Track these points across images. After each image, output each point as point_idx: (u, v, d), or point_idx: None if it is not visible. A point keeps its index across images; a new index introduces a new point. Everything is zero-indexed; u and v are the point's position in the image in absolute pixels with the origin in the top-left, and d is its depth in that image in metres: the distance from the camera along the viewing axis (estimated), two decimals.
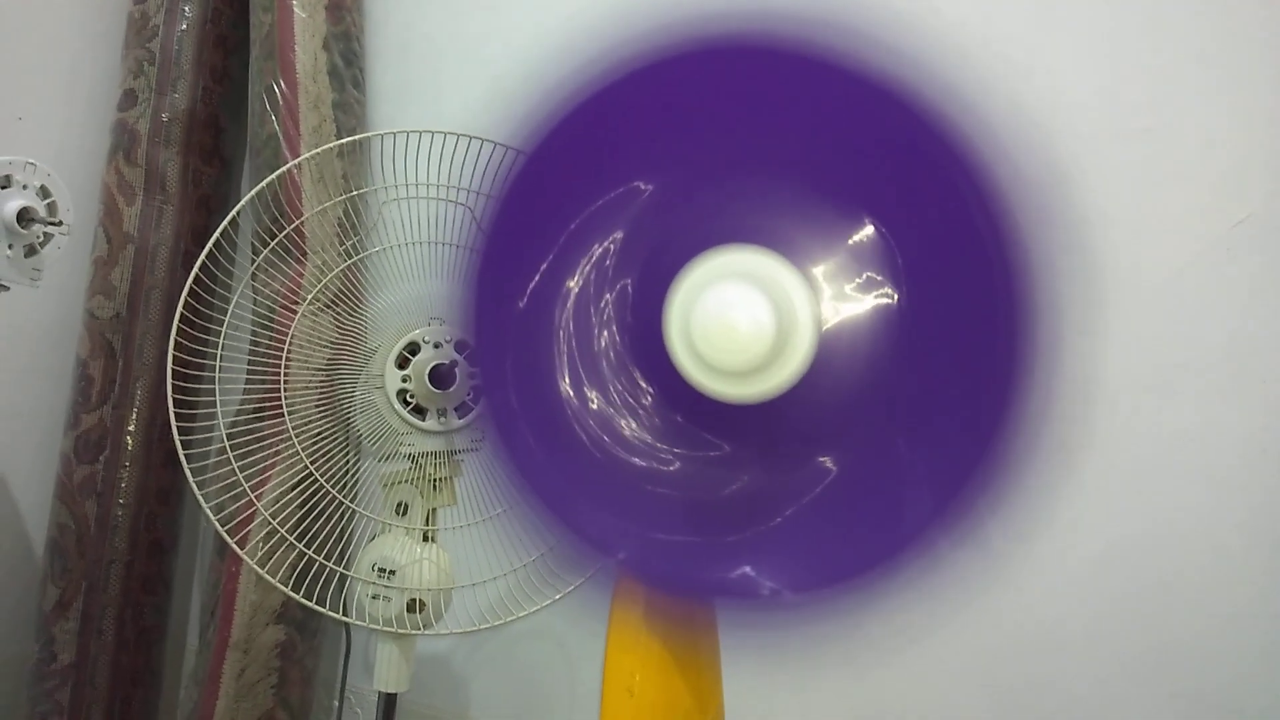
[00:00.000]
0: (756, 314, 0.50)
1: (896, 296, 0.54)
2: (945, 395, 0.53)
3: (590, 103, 0.53)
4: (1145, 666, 1.00)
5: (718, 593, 0.54)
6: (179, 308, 0.91)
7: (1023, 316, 0.48)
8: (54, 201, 1.11)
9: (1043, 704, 1.05)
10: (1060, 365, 0.48)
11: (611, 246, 0.58)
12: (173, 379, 0.91)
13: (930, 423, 0.53)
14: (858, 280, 0.55)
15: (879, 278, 0.55)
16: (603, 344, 0.58)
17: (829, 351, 0.52)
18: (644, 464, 0.56)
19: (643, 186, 0.58)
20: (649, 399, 0.57)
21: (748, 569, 0.52)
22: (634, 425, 0.57)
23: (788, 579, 0.51)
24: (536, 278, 0.57)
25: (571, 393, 0.57)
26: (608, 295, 0.58)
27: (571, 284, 0.58)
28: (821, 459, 0.55)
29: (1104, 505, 1.02)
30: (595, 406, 0.57)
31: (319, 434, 0.97)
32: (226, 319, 0.95)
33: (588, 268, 0.58)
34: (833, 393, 0.54)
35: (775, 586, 0.51)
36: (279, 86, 1.38)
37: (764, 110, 0.56)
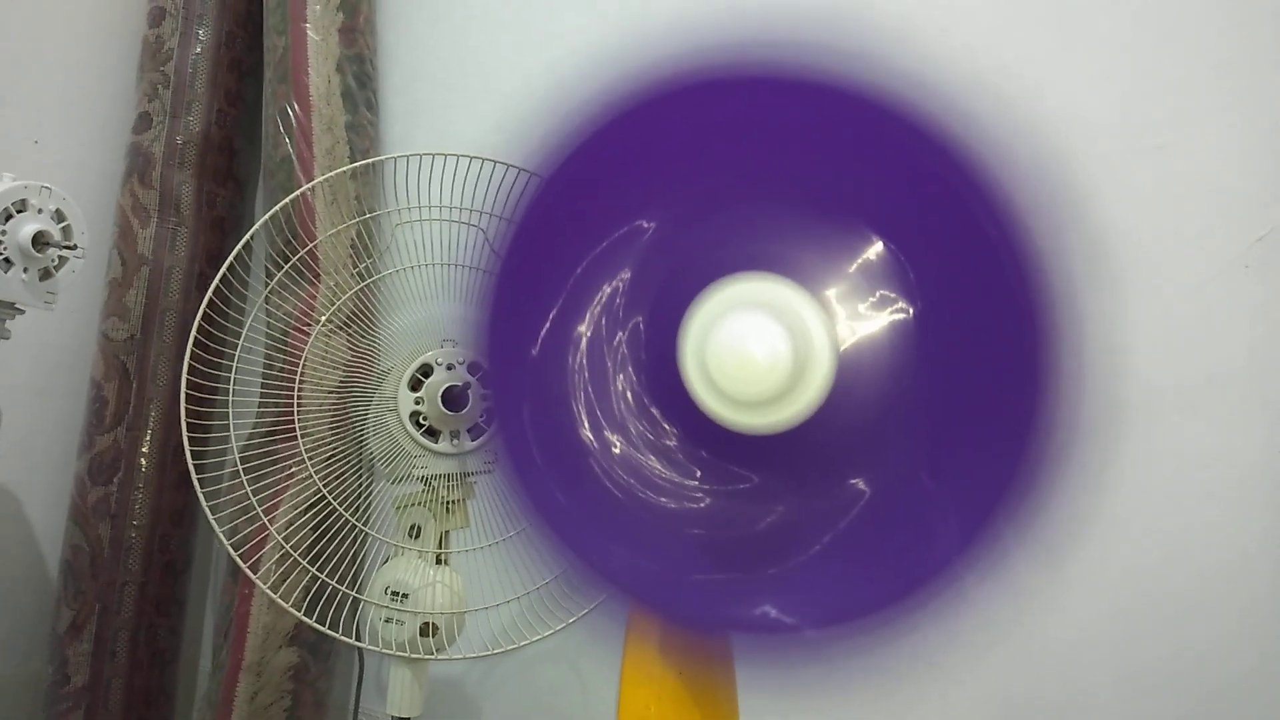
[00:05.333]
0: (772, 342, 0.49)
1: (912, 311, 0.54)
2: (969, 414, 0.52)
3: (586, 146, 0.52)
4: (1164, 686, 0.98)
5: (742, 630, 0.53)
6: (193, 330, 0.91)
7: (1043, 332, 0.48)
8: (69, 225, 1.12)
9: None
10: (1083, 382, 0.47)
11: (620, 285, 0.57)
12: (186, 401, 0.91)
13: (955, 444, 0.52)
14: (871, 299, 0.54)
15: (892, 294, 0.54)
16: (620, 386, 0.57)
17: (850, 373, 0.51)
18: (673, 504, 0.56)
19: (645, 225, 0.57)
20: (671, 437, 0.57)
21: (777, 604, 0.51)
22: (659, 465, 0.56)
23: (816, 613, 0.50)
24: (547, 325, 0.56)
25: (592, 438, 0.56)
26: (620, 334, 0.57)
27: (582, 328, 0.57)
28: (854, 481, 0.54)
29: (1124, 525, 1.00)
30: (618, 451, 0.56)
31: (332, 456, 0.97)
32: (240, 341, 0.95)
33: (597, 310, 0.57)
34: (858, 414, 0.53)
35: (801, 622, 0.50)
36: (293, 109, 1.39)
37: (764, 137, 0.55)
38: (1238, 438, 0.97)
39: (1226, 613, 0.97)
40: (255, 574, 0.96)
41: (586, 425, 0.56)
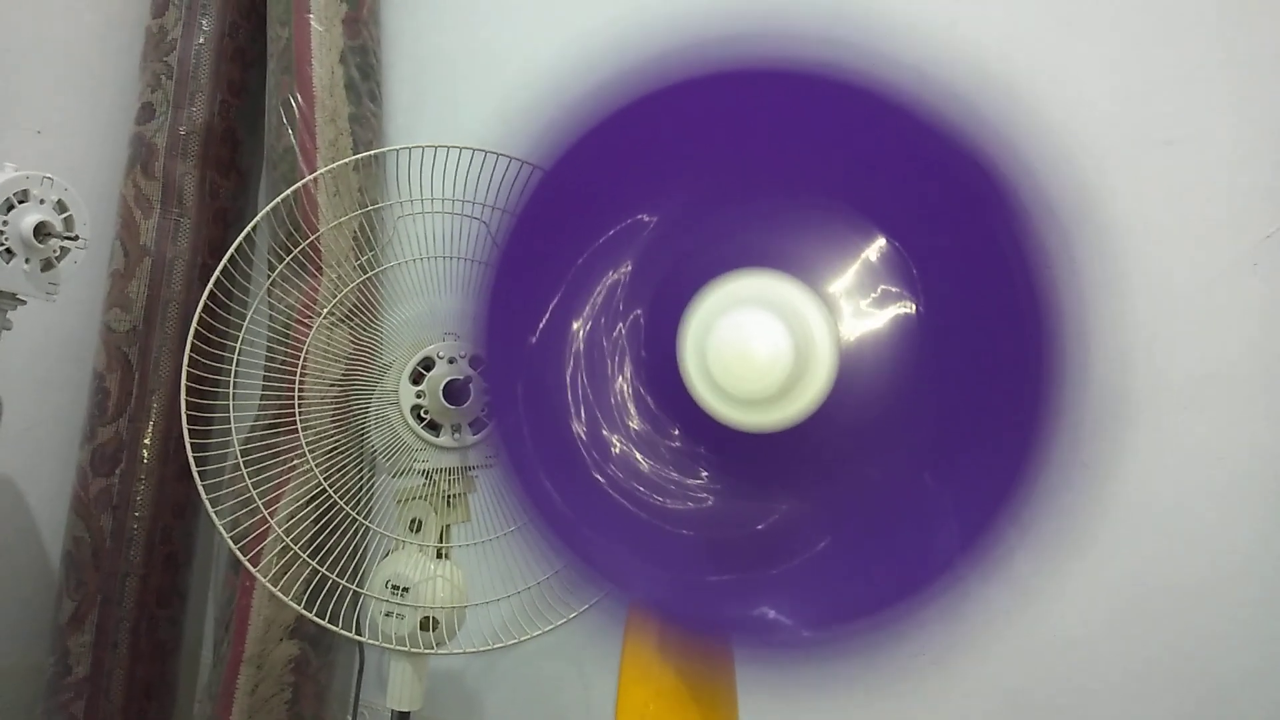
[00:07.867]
0: (773, 339, 0.49)
1: (915, 307, 0.53)
2: (972, 412, 0.52)
3: (589, 139, 0.52)
4: (1165, 682, 0.98)
5: (742, 630, 0.52)
6: (194, 321, 0.91)
7: (1047, 328, 0.47)
8: (71, 215, 1.11)
9: (1062, 715, 1.03)
10: (1087, 379, 0.46)
11: (621, 278, 0.57)
12: (187, 393, 0.91)
13: (958, 444, 0.51)
14: (874, 295, 0.54)
15: (895, 290, 0.53)
16: (618, 382, 0.57)
17: (852, 370, 0.51)
18: (672, 503, 0.55)
19: (647, 219, 0.57)
20: (670, 434, 0.56)
21: (777, 604, 0.50)
22: (657, 463, 0.56)
23: (817, 613, 0.50)
24: (545, 317, 0.56)
25: (587, 435, 0.56)
26: (620, 326, 0.57)
27: (581, 321, 0.57)
28: (856, 480, 0.53)
29: (1127, 521, 1.00)
30: (617, 451, 0.56)
31: (333, 449, 0.97)
32: (242, 332, 0.94)
33: (598, 302, 0.57)
34: (861, 412, 0.52)
35: (801, 622, 0.49)
36: (296, 100, 1.38)
37: (769, 131, 0.54)
38: (1242, 435, 0.97)
39: (1228, 609, 0.96)
40: (256, 567, 0.96)
41: (583, 420, 0.56)
